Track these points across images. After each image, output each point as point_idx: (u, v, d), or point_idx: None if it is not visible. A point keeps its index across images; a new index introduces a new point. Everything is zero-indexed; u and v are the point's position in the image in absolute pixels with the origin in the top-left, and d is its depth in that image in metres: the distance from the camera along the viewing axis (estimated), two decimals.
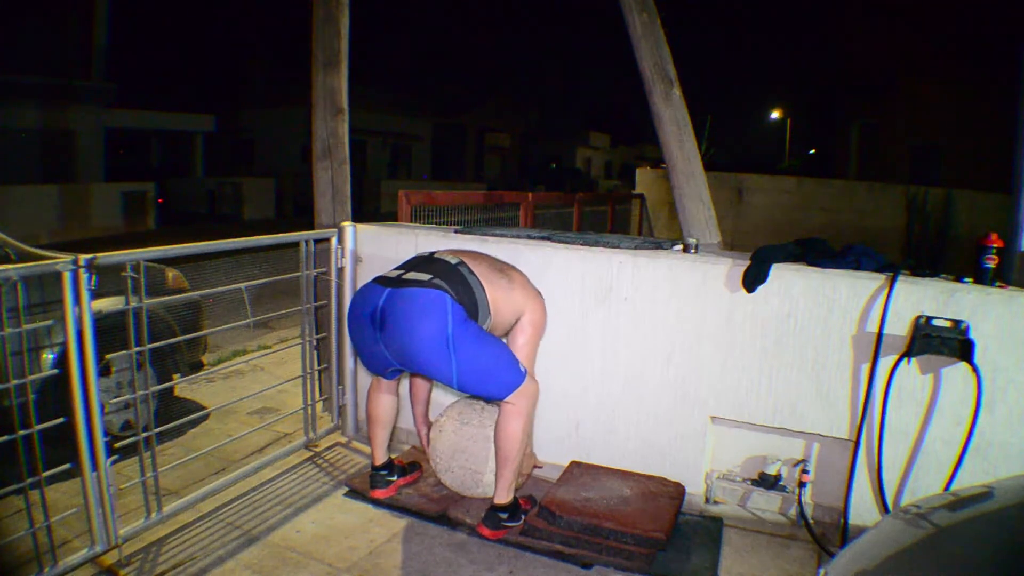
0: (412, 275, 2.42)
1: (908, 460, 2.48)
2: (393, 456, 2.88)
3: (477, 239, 3.12)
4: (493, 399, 2.48)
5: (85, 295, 2.12)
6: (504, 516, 2.50)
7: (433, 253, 2.61)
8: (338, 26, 3.61)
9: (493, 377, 2.39)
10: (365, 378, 3.20)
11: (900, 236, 9.87)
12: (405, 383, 3.17)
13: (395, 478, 2.78)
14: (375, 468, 2.76)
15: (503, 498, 2.50)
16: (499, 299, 2.49)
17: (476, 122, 30.54)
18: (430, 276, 2.38)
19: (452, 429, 2.72)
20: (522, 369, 2.46)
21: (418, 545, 2.48)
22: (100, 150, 15.70)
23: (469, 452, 2.65)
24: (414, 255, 2.68)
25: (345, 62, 3.65)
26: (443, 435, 2.73)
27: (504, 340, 2.62)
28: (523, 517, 2.55)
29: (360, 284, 3.24)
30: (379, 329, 2.36)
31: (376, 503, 2.74)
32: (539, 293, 2.69)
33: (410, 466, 2.92)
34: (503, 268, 2.63)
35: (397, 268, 2.54)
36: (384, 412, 2.73)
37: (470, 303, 2.39)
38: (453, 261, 2.50)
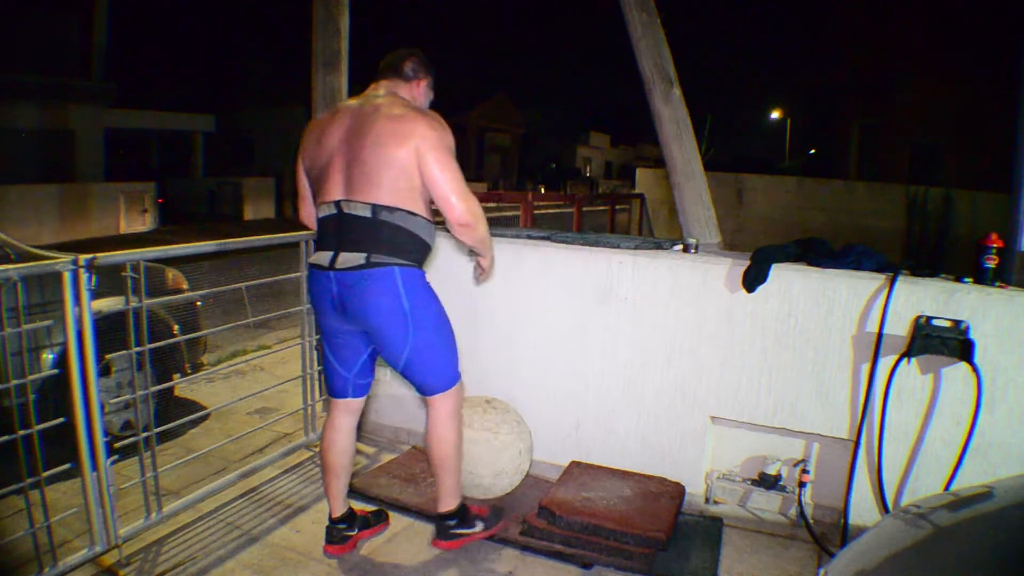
0: (345, 260, 2.15)
1: (908, 460, 2.49)
2: (355, 506, 2.54)
3: None
4: (426, 391, 2.32)
5: (85, 295, 2.12)
6: (452, 523, 2.40)
7: (340, 206, 2.17)
8: (338, 26, 3.61)
9: (438, 367, 2.28)
10: None
11: (900, 236, 9.88)
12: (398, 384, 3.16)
13: (355, 532, 2.44)
14: (332, 521, 2.41)
15: (449, 505, 2.39)
16: (410, 195, 2.16)
17: (476, 122, 30.52)
18: (365, 255, 2.13)
19: None
20: (458, 370, 2.36)
21: (418, 545, 2.48)
22: (100, 150, 15.70)
23: (470, 455, 2.64)
24: (327, 214, 2.22)
25: (345, 62, 3.65)
26: None
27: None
28: (479, 525, 2.46)
29: None
30: (342, 312, 2.21)
31: (377, 503, 2.73)
32: (428, 112, 2.27)
33: (375, 516, 2.58)
34: (382, 153, 2.13)
35: (322, 247, 2.23)
36: (338, 457, 2.39)
37: (414, 244, 2.19)
38: (367, 214, 2.14)
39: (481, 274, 2.49)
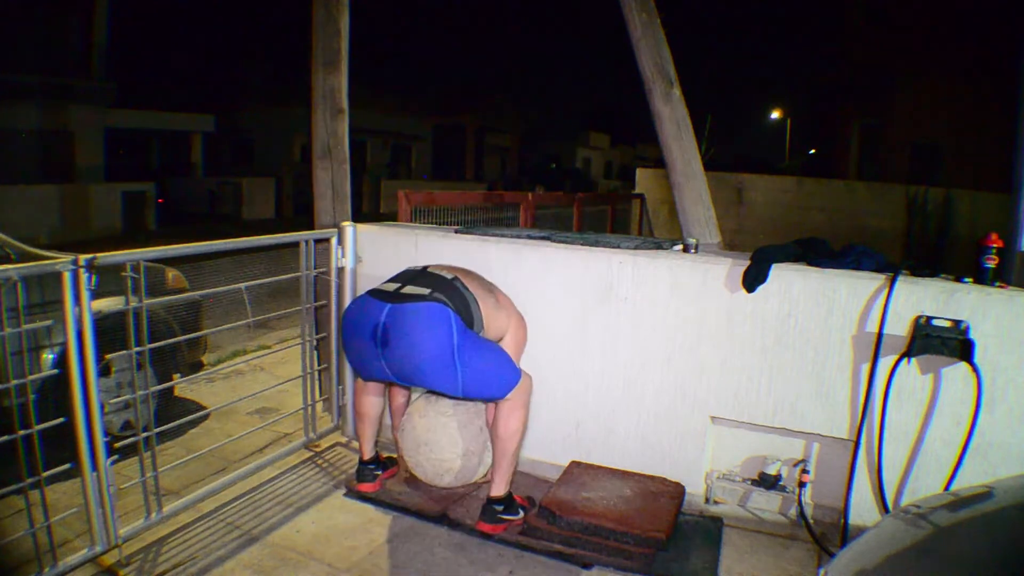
0: (411, 289, 2.41)
1: (908, 460, 2.49)
2: (381, 453, 2.94)
3: (478, 239, 3.12)
4: (495, 400, 2.51)
5: (85, 295, 2.12)
6: (500, 508, 2.52)
7: (426, 267, 2.62)
8: (338, 26, 3.61)
9: (496, 380, 2.45)
10: None
11: (900, 236, 9.87)
12: None
13: (380, 472, 2.84)
14: (363, 463, 2.81)
15: (499, 490, 2.53)
16: (489, 315, 2.54)
17: (476, 122, 30.51)
18: (430, 290, 2.39)
19: (412, 426, 2.78)
20: (518, 366, 2.53)
21: (418, 545, 2.48)
22: (100, 150, 15.67)
23: (432, 443, 2.71)
24: (406, 268, 2.69)
25: (345, 62, 3.64)
26: (405, 433, 2.80)
27: None
28: (521, 512, 2.57)
29: (360, 285, 3.25)
30: (381, 346, 2.34)
31: (376, 503, 2.74)
32: (521, 315, 2.78)
33: (389, 460, 2.97)
34: (491, 288, 2.67)
35: (391, 281, 2.54)
36: (371, 408, 2.79)
37: (467, 316, 2.42)
38: (448, 276, 2.52)
39: None
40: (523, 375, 2.53)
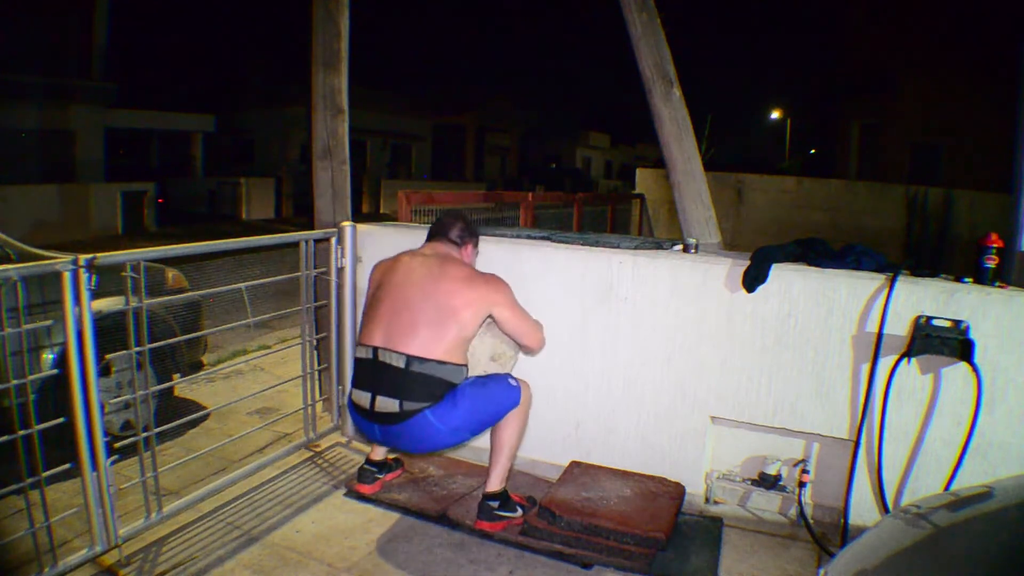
0: (383, 404, 2.36)
1: (908, 460, 2.49)
2: (389, 456, 2.92)
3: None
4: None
5: (85, 295, 2.12)
6: (495, 505, 2.53)
7: (376, 354, 2.40)
8: (338, 26, 3.61)
9: (497, 414, 2.48)
10: None
11: (900, 236, 9.88)
12: None
13: (382, 475, 2.84)
14: (369, 462, 2.82)
15: (494, 486, 2.54)
16: (452, 345, 2.37)
17: (476, 122, 30.50)
18: (398, 401, 2.34)
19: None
20: (513, 383, 2.50)
21: (418, 545, 2.48)
22: (100, 150, 15.68)
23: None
24: (363, 357, 2.46)
25: (345, 62, 3.64)
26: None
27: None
28: (519, 510, 2.57)
29: (360, 285, 3.26)
30: (390, 446, 2.65)
31: (376, 503, 2.74)
32: (489, 276, 2.53)
33: (396, 461, 2.97)
34: (434, 306, 2.38)
35: (359, 387, 2.44)
36: None
37: (443, 387, 2.37)
38: (400, 364, 2.34)
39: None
40: (523, 389, 2.51)
